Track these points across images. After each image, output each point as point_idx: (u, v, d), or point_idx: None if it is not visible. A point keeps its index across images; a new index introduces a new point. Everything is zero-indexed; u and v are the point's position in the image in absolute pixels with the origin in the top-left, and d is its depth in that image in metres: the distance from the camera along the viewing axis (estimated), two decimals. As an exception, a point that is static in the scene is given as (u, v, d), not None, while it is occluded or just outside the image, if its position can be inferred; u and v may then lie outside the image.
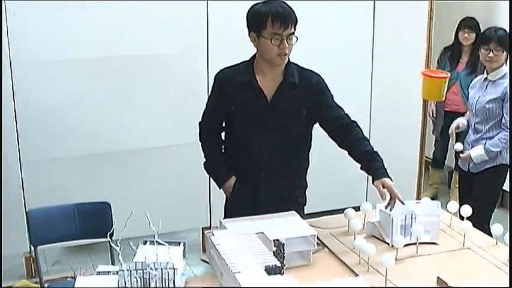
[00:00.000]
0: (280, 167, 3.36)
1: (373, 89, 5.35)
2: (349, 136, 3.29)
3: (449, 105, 6.13)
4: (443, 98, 5.13)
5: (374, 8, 5.20)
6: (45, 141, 4.46)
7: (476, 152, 4.50)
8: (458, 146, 4.65)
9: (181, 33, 4.66)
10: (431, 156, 6.62)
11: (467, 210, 3.22)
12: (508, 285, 2.55)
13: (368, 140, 3.31)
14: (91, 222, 3.69)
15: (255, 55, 3.33)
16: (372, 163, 3.21)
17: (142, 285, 2.42)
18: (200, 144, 3.54)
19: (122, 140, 4.65)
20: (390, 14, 5.23)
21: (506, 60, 4.47)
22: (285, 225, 2.93)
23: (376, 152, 3.25)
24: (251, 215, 3.07)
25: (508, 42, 4.39)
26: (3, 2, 4.14)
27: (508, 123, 4.37)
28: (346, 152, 3.32)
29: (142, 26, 4.56)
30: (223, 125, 3.47)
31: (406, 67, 5.32)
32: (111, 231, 2.52)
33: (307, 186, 3.54)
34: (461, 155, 4.62)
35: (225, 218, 3.28)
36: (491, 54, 4.39)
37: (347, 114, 3.35)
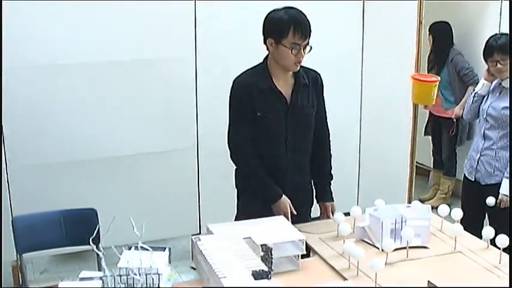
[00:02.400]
0: (303, 164, 3.53)
1: (362, 92, 5.32)
2: (321, 148, 3.62)
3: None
4: (434, 102, 5.10)
5: (363, 10, 5.16)
6: (31, 146, 4.40)
7: (507, 186, 4.21)
8: (491, 200, 4.11)
9: (169, 37, 4.61)
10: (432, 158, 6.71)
11: (458, 213, 3.19)
12: (508, 285, 2.52)
13: (331, 156, 3.69)
14: (77, 229, 3.66)
15: (266, 57, 3.41)
16: (325, 185, 3.65)
17: (126, 291, 2.38)
18: (238, 164, 3.51)
19: (109, 146, 4.60)
20: (380, 16, 5.19)
21: None
22: (272, 229, 2.90)
23: (332, 175, 3.67)
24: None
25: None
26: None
27: None
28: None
29: (130, 31, 4.50)
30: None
31: (396, 70, 5.30)
32: (94, 236, 2.47)
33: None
34: (502, 204, 4.23)
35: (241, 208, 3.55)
36: (498, 65, 4.22)
37: (327, 122, 3.65)
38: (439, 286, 2.55)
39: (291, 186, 3.45)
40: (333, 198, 3.63)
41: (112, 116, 4.58)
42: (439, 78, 5.13)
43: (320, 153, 3.61)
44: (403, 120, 5.53)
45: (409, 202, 5.15)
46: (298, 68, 3.36)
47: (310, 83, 3.45)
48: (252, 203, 3.44)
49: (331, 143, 3.68)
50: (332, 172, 3.67)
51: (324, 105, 3.60)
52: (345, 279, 2.73)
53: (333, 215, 3.44)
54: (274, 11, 3.33)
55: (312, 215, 3.67)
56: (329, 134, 3.66)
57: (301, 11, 3.31)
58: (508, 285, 2.53)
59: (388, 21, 5.24)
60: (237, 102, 3.42)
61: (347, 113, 5.26)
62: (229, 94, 3.44)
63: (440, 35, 6.31)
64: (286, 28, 3.23)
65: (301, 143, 3.48)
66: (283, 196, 3.36)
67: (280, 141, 3.42)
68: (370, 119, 5.38)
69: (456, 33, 6.31)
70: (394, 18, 5.26)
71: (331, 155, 3.67)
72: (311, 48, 3.31)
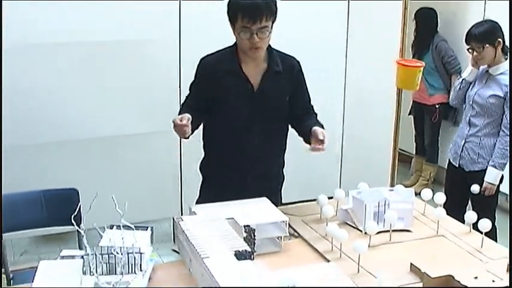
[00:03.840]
0: (267, 151, 3.39)
1: (346, 77, 5.31)
2: (303, 120, 3.41)
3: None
4: (418, 88, 5.10)
5: (348, -6, 5.15)
6: (12, 127, 4.36)
7: (492, 175, 4.27)
8: (475, 188, 4.13)
9: (154, 19, 4.58)
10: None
11: (441, 197, 3.19)
12: (508, 285, 2.52)
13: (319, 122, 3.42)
14: (58, 209, 3.61)
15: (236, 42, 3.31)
16: (307, 121, 3.36)
17: (107, 270, 2.35)
18: None
19: (92, 127, 4.57)
20: (365, 1, 5.18)
21: (504, 53, 4.28)
22: (256, 210, 2.88)
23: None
24: (236, 195, 3.05)
25: (490, 35, 4.22)
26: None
27: (509, 125, 4.19)
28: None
29: (115, 11, 4.47)
30: (206, 114, 3.36)
31: (381, 55, 5.30)
32: (76, 215, 2.44)
33: (284, 163, 3.59)
34: (486, 192, 4.29)
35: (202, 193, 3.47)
36: (474, 53, 4.25)
37: (312, 106, 3.52)
38: (421, 269, 2.55)
39: (253, 173, 3.37)
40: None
41: (95, 97, 4.55)
42: (424, 63, 5.12)
43: (306, 123, 3.36)
44: (386, 105, 5.53)
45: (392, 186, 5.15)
46: (259, 53, 3.23)
47: (285, 71, 3.33)
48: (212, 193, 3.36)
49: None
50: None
51: (307, 91, 3.49)
52: (328, 261, 2.72)
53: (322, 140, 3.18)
54: None
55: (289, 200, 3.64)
56: (316, 114, 3.52)
57: None
58: (508, 285, 2.53)
59: (373, 5, 5.22)
60: (196, 81, 3.38)
61: (331, 97, 5.26)
62: None
63: (425, 21, 6.34)
64: (235, 12, 3.13)
65: (270, 131, 3.36)
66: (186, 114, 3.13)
67: (243, 128, 3.30)
68: (353, 104, 5.39)
69: (441, 19, 6.33)
70: (379, 2, 5.24)
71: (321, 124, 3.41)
72: (270, 32, 3.16)
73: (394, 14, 5.35)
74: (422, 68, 4.94)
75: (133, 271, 2.37)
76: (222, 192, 3.19)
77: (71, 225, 2.72)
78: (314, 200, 3.24)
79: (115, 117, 4.62)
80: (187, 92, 3.45)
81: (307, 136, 3.28)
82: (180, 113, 3.21)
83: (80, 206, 2.66)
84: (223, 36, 3.28)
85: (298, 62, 3.42)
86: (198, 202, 3.40)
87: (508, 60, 4.28)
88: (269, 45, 3.28)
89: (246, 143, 3.32)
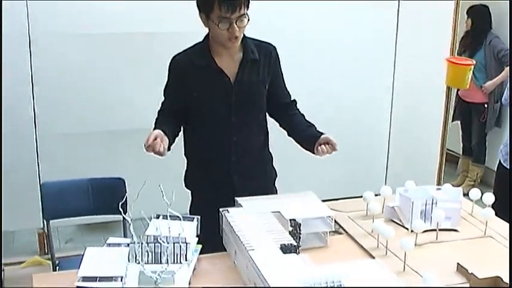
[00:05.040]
0: (249, 146, 3.28)
1: (396, 74, 5.26)
2: (284, 113, 3.35)
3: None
4: (468, 86, 5.03)
5: (399, -9, 5.10)
6: (61, 115, 4.43)
7: None
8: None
9: (193, 11, 4.58)
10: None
11: (489, 198, 3.13)
12: (508, 281, 2.47)
13: (302, 115, 3.37)
14: (105, 197, 3.66)
15: (208, 35, 3.19)
16: (305, 133, 3.26)
17: (153, 259, 2.36)
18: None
19: (140, 117, 4.57)
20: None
21: None
22: (302, 205, 2.86)
23: (308, 122, 3.32)
24: (227, 201, 2.92)
25: None
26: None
27: None
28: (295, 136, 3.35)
29: (154, 4, 4.50)
30: (183, 116, 3.27)
31: (430, 53, 5.24)
32: (123, 202, 2.45)
33: (272, 157, 3.47)
34: None
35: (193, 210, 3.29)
36: None
37: (289, 93, 3.40)
38: (469, 270, 2.51)
39: (238, 173, 3.26)
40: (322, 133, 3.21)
41: (144, 87, 4.57)
42: (474, 62, 5.05)
43: (291, 115, 3.36)
44: (435, 104, 5.47)
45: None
46: (237, 43, 3.10)
47: (261, 58, 3.20)
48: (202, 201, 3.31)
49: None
50: (312, 123, 3.32)
51: (282, 76, 3.35)
52: (373, 258, 2.69)
53: (329, 144, 3.12)
54: None
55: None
56: (295, 102, 3.41)
57: None
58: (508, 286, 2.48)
59: (423, 3, 5.17)
60: (169, 81, 3.26)
61: (379, 94, 5.22)
62: None
63: (480, 18, 6.24)
64: (210, 1, 2.97)
65: (249, 124, 3.25)
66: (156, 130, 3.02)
67: (224, 123, 3.19)
68: (402, 101, 5.33)
69: (494, 16, 6.27)
70: (429, 2, 5.18)
71: (303, 114, 3.37)
72: (248, 20, 3.03)
73: (444, 12, 5.28)
74: (472, 67, 4.87)
75: (178, 261, 2.38)
76: (211, 202, 2.98)
77: (116, 214, 2.74)
78: (360, 196, 3.21)
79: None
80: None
81: (309, 143, 3.21)
82: (154, 126, 3.13)
83: (126, 196, 2.66)
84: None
85: (274, 48, 3.29)
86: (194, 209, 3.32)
87: None
88: (243, 35, 3.15)
89: (227, 141, 3.22)
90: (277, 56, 3.31)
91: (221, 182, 3.28)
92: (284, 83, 3.39)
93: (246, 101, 3.20)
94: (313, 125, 3.31)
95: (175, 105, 3.23)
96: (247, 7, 3.03)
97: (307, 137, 3.25)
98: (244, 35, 3.15)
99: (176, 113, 3.23)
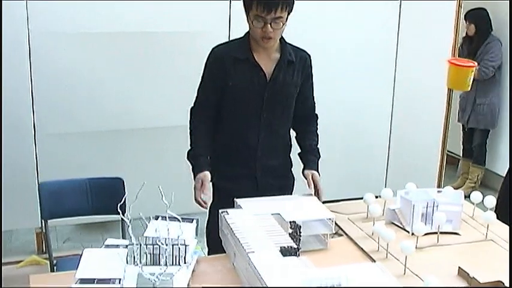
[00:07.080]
0: (274, 145, 3.36)
1: (397, 76, 5.24)
2: (305, 125, 3.44)
3: None
4: (469, 88, 5.01)
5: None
6: (60, 115, 4.41)
7: None
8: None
9: (203, 10, 4.57)
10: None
11: (491, 201, 3.11)
12: (508, 285, 2.45)
13: (317, 136, 3.45)
14: (103, 197, 3.64)
15: (248, 32, 3.26)
16: (309, 155, 3.36)
17: (151, 261, 2.33)
18: (189, 131, 3.38)
19: (139, 117, 4.59)
20: (416, 0, 5.12)
21: None
22: (302, 207, 2.85)
23: (317, 149, 3.40)
24: (248, 195, 2.98)
25: None
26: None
27: None
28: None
29: (167, 3, 4.49)
30: (218, 112, 3.33)
31: (432, 55, 5.21)
32: (122, 202, 2.42)
33: (292, 164, 3.51)
34: None
35: (216, 204, 3.25)
36: None
37: (314, 106, 3.49)
38: (470, 273, 2.49)
39: (261, 168, 3.33)
40: (317, 169, 3.31)
41: (143, 88, 4.57)
42: (476, 63, 5.02)
43: (306, 132, 3.44)
44: (436, 105, 5.45)
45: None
46: (270, 44, 3.19)
47: (297, 61, 3.29)
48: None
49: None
50: (315, 146, 3.42)
51: (312, 87, 3.44)
52: (373, 261, 2.67)
53: (314, 185, 3.20)
54: None
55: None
56: (317, 117, 3.49)
57: None
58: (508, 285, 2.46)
59: (424, 4, 5.15)
60: (207, 71, 3.32)
61: (380, 96, 5.20)
62: None
63: (482, 23, 6.22)
64: (250, 0, 3.09)
65: (277, 124, 3.32)
66: (203, 172, 3.22)
67: (254, 117, 3.27)
68: (402, 103, 5.31)
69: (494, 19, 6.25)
70: (430, 2, 5.16)
71: (317, 135, 3.46)
72: (284, 23, 3.13)
73: (446, 14, 5.26)
74: (474, 68, 4.85)
75: (177, 263, 2.35)
76: (232, 194, 3.04)
77: (115, 214, 2.71)
78: (360, 198, 3.19)
79: (163, 108, 4.63)
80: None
81: (303, 155, 3.38)
82: (191, 137, 3.35)
83: (125, 195, 2.64)
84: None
85: (309, 56, 3.37)
86: (212, 207, 3.32)
87: None
88: (282, 37, 3.25)
89: (255, 135, 3.28)
90: (311, 65, 3.38)
91: (244, 176, 3.33)
92: (313, 93, 3.45)
93: (277, 100, 3.27)
94: (318, 152, 3.40)
95: (211, 98, 3.31)
96: (288, 11, 3.12)
97: (305, 161, 3.36)
98: (283, 38, 3.25)
99: (211, 111, 3.31)
